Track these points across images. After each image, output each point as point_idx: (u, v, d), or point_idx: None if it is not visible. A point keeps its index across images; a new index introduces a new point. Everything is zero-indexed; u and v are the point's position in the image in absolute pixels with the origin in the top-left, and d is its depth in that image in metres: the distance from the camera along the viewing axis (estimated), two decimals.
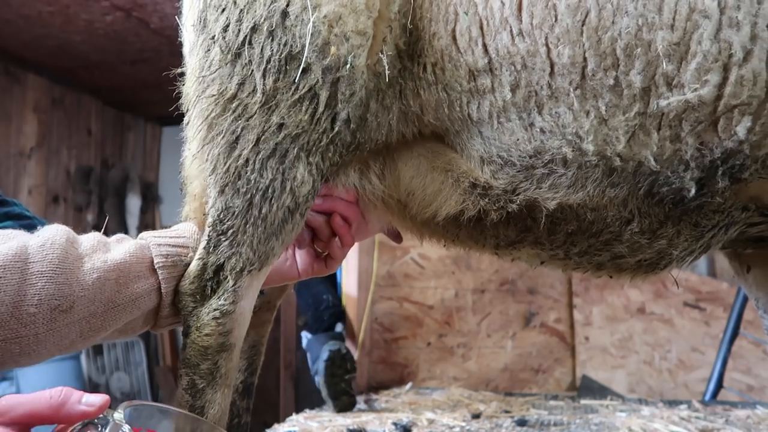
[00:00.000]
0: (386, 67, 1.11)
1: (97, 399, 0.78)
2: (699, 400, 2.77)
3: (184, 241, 1.13)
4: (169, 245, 1.10)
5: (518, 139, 1.11)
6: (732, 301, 3.16)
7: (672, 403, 2.68)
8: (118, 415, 0.77)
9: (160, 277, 1.07)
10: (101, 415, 0.77)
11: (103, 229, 1.10)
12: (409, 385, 3.21)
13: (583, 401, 2.76)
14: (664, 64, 1.00)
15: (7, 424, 0.76)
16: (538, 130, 1.09)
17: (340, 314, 3.15)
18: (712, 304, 3.69)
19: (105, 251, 1.02)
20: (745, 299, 2.99)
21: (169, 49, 4.70)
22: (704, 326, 3.66)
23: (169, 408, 0.84)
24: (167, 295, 1.08)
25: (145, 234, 1.13)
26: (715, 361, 3.08)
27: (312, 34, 1.08)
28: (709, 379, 3.07)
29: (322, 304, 3.10)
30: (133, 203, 5.73)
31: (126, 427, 0.76)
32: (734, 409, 2.52)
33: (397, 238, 1.46)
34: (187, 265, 1.10)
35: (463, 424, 2.23)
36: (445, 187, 1.19)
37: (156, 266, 1.07)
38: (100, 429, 0.76)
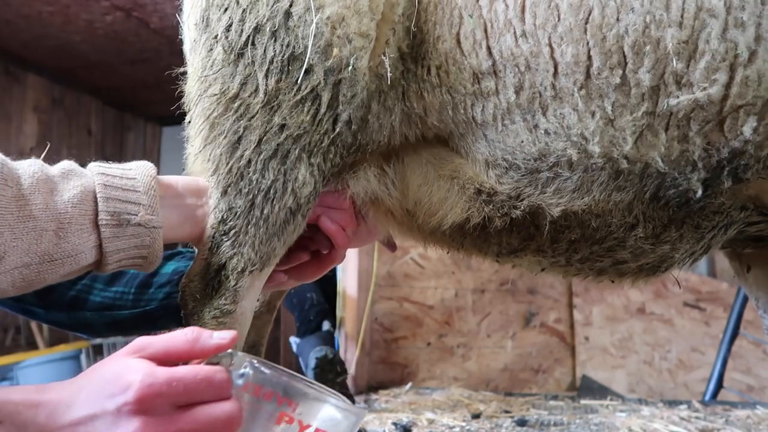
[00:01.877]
0: (388, 70, 1.10)
1: (228, 333, 0.81)
2: (699, 400, 2.77)
3: (137, 197, 0.99)
4: (119, 200, 0.97)
5: (523, 142, 1.10)
6: (732, 301, 3.16)
7: (672, 403, 2.69)
8: (242, 353, 0.81)
9: (102, 236, 0.96)
10: (229, 351, 0.81)
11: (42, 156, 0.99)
12: (409, 385, 3.22)
13: (583, 401, 2.77)
14: (674, 62, 1.00)
15: (146, 359, 0.78)
16: (543, 131, 1.09)
17: (326, 312, 3.14)
18: (712, 304, 3.70)
19: (47, 193, 0.91)
20: (745, 299, 2.99)
21: (169, 49, 4.71)
22: (704, 326, 3.66)
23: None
24: (109, 254, 0.99)
25: (95, 170, 0.99)
26: (715, 361, 3.08)
27: (315, 35, 1.07)
28: (709, 379, 3.07)
29: (306, 303, 3.09)
30: None
31: (255, 360, 0.79)
32: (734, 409, 2.52)
33: (392, 247, 1.45)
34: (138, 224, 0.99)
35: (463, 424, 2.23)
36: (451, 194, 1.18)
37: (99, 223, 0.96)
38: (233, 361, 0.80)
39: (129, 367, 0.77)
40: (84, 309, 1.36)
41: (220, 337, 0.80)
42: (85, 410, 0.75)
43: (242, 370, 0.79)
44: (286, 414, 0.78)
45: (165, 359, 0.79)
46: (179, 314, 1.25)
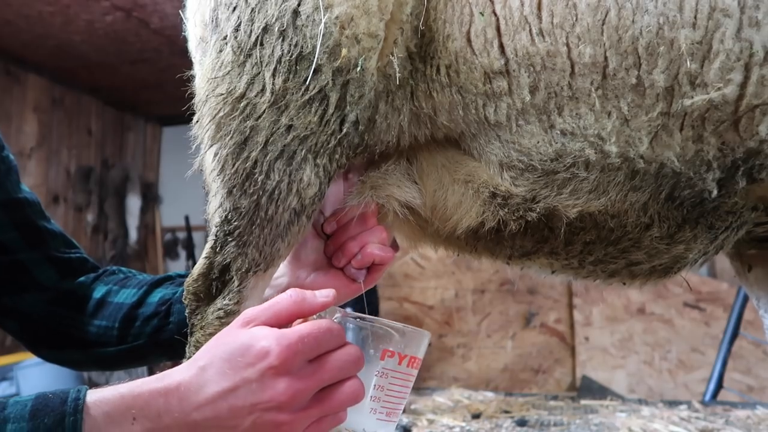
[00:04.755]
0: (396, 70, 1.10)
1: (329, 291, 0.88)
2: (699, 401, 2.78)
3: None
4: None
5: (538, 142, 1.10)
6: (732, 302, 3.17)
7: (672, 404, 2.69)
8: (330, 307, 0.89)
9: None
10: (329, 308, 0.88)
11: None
12: None
13: (583, 401, 2.77)
14: (688, 62, 1.00)
15: (262, 326, 0.83)
16: (559, 132, 1.09)
17: None
18: (712, 305, 3.70)
19: None
20: (745, 299, 3.00)
21: (169, 49, 4.69)
22: (704, 326, 3.67)
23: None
24: None
25: None
26: (715, 362, 3.09)
27: (323, 35, 1.07)
28: (709, 379, 3.08)
29: None
30: (133, 203, 5.73)
31: (342, 310, 0.90)
32: (734, 410, 2.53)
33: (395, 248, 1.44)
34: None
35: (463, 424, 2.24)
36: (466, 198, 1.17)
37: None
38: (339, 318, 0.89)
39: (256, 336, 0.81)
40: (68, 347, 1.30)
41: (324, 295, 0.86)
42: (222, 384, 0.79)
43: (336, 321, 0.87)
44: (387, 350, 0.89)
45: (276, 323, 0.83)
46: (170, 349, 1.22)
